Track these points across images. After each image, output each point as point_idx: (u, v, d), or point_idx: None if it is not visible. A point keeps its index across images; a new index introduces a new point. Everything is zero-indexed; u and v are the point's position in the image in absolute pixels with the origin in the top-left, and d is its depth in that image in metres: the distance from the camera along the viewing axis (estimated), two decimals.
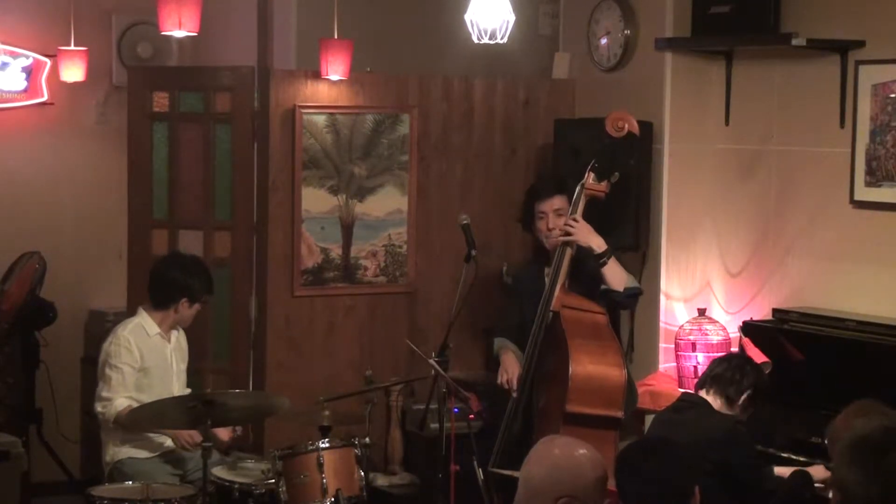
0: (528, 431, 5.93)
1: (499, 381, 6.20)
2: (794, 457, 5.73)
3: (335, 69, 6.85)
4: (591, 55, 7.28)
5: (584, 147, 6.63)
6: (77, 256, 8.13)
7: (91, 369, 6.73)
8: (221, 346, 7.10)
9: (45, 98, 7.91)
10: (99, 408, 6.11)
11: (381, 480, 6.94)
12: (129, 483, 5.87)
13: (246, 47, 7.22)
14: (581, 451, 3.65)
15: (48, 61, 7.83)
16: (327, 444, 5.74)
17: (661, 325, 6.85)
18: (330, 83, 6.99)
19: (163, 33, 5.65)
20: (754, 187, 6.75)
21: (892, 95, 6.05)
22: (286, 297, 6.98)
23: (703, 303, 6.75)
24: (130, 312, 6.53)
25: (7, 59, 7.76)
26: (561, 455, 3.64)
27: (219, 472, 5.92)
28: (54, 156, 8.07)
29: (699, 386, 5.59)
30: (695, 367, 6.38)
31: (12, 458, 6.25)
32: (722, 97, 6.85)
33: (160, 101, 7.18)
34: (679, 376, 6.55)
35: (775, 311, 6.37)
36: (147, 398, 6.03)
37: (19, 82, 7.84)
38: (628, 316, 6.81)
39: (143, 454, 6.13)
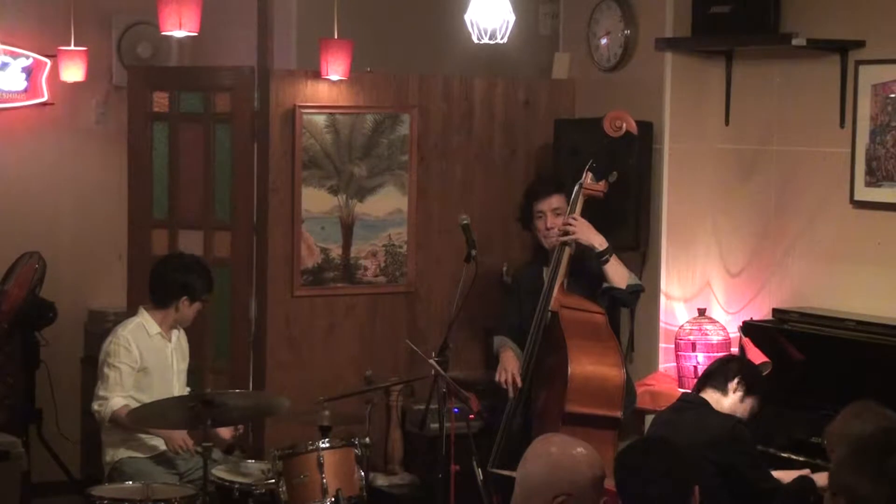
0: (528, 431, 5.93)
1: (497, 379, 6.20)
2: (794, 457, 5.73)
3: (335, 69, 6.84)
4: (591, 55, 7.28)
5: (585, 147, 6.62)
6: (77, 256, 8.12)
7: (91, 369, 6.73)
8: (221, 346, 7.11)
9: (45, 98, 7.90)
10: (95, 406, 6.10)
11: (381, 480, 6.93)
12: (129, 483, 5.87)
13: (246, 47, 7.23)
14: (578, 450, 3.65)
15: (48, 61, 7.81)
16: (327, 444, 5.74)
17: (661, 325, 6.85)
18: (330, 83, 6.98)
19: (163, 33, 5.64)
20: (754, 187, 6.75)
21: (892, 95, 6.05)
22: (286, 297, 6.98)
23: (703, 303, 6.75)
24: (130, 312, 6.53)
25: (7, 59, 7.75)
26: (558, 453, 3.64)
27: (219, 472, 5.92)
28: (54, 156, 8.06)
29: (696, 391, 5.58)
30: (695, 368, 6.37)
31: (12, 458, 6.26)
32: (722, 97, 6.85)
33: (160, 101, 7.19)
34: (679, 376, 6.54)
35: (775, 311, 6.37)
36: (147, 398, 6.03)
37: (19, 82, 7.82)
38: (628, 316, 6.80)
39: (140, 455, 6.13)
